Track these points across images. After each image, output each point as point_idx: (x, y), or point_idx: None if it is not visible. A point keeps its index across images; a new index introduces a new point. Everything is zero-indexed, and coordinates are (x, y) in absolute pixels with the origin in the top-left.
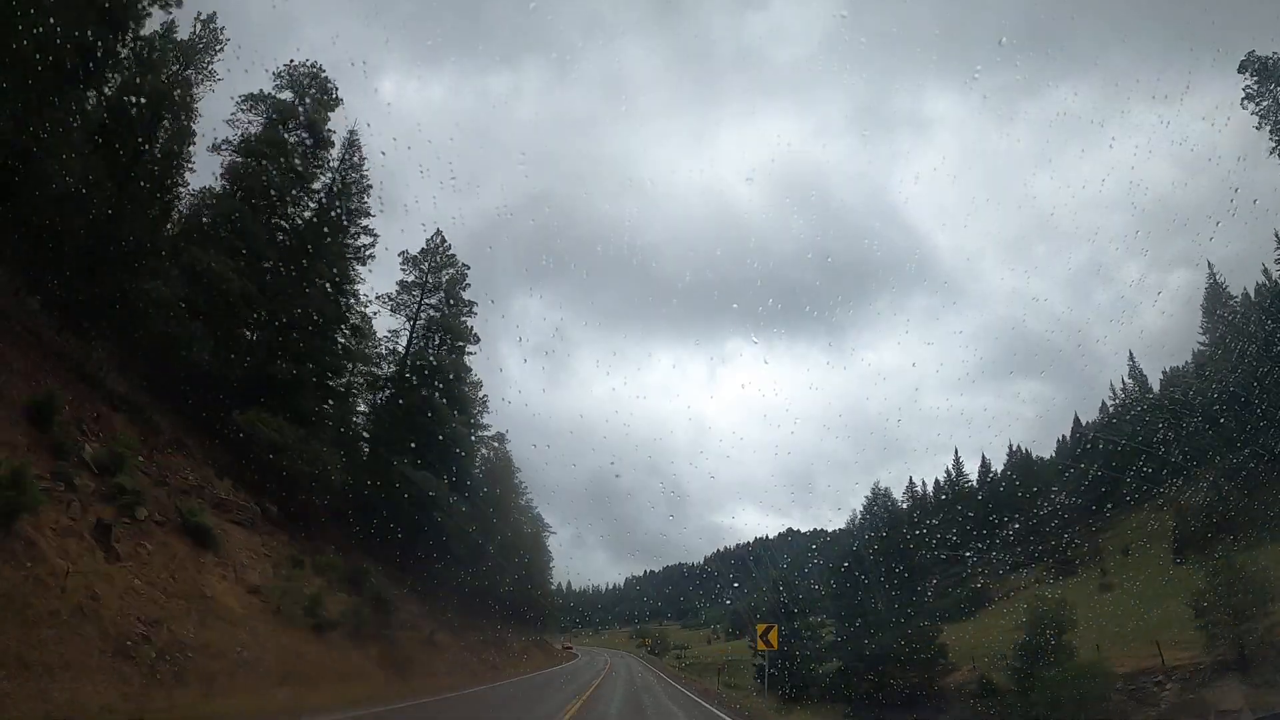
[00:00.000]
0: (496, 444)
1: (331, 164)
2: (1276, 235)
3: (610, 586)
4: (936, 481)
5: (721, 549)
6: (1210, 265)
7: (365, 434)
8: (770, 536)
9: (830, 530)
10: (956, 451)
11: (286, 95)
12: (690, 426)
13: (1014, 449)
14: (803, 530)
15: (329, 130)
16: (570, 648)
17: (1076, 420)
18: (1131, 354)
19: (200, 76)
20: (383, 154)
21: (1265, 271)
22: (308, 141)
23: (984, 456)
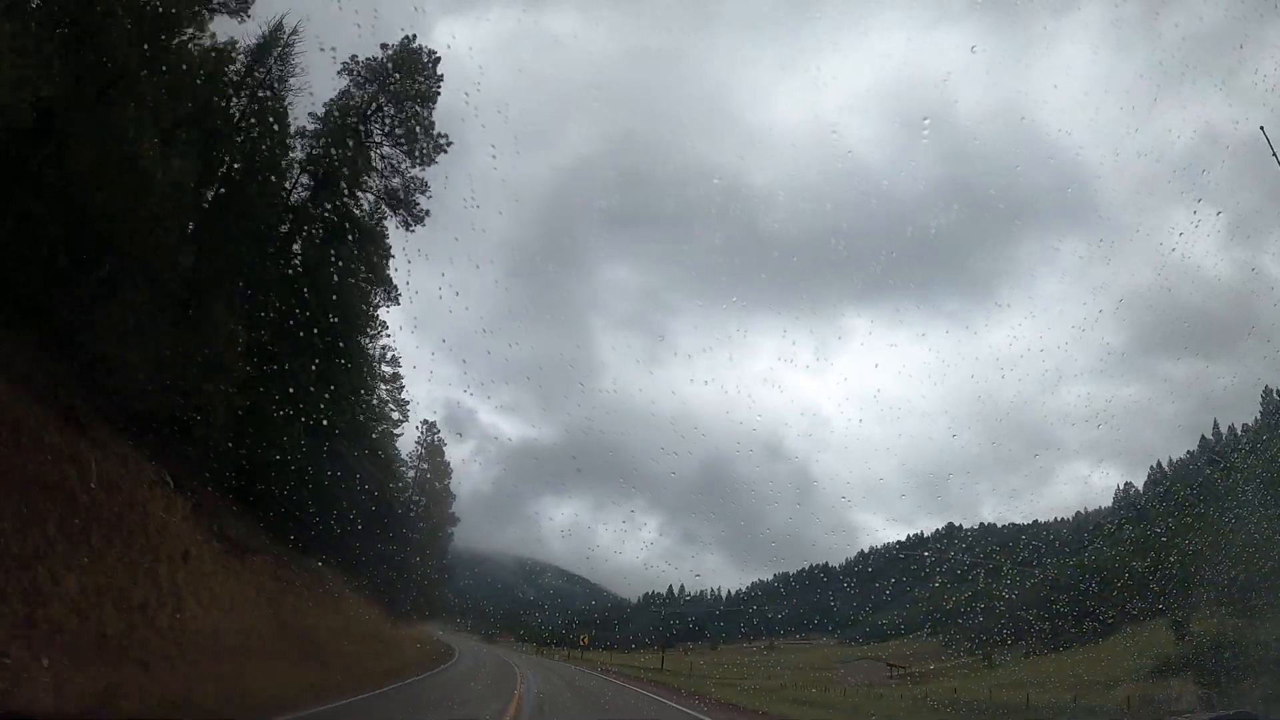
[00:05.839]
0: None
1: None
2: None
3: (735, 591)
4: None
5: (865, 550)
6: None
7: None
8: (925, 534)
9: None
10: None
11: None
12: (805, 414)
13: None
14: (965, 526)
15: None
16: None
17: None
18: None
19: None
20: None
21: None
22: None
23: None
